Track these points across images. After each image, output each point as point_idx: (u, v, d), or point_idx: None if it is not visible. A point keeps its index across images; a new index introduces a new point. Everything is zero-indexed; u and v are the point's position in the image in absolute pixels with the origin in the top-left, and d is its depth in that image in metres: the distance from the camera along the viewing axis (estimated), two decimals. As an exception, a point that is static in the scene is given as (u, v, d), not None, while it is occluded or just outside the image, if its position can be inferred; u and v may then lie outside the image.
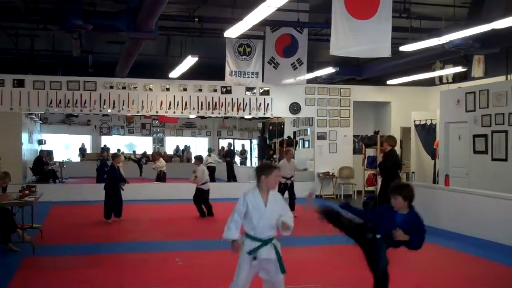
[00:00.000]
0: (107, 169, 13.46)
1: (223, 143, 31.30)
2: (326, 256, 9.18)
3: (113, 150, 28.33)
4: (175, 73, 16.07)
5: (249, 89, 17.61)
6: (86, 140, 30.52)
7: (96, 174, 18.67)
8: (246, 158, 30.25)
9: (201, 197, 13.23)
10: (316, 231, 11.04)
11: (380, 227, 5.36)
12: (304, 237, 10.96)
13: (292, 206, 12.76)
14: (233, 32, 10.97)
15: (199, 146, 31.15)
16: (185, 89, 17.65)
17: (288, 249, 9.84)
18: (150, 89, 17.42)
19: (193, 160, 22.56)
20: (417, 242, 5.33)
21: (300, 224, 12.35)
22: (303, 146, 21.13)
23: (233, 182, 21.17)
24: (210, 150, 23.35)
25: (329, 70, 15.98)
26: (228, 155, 23.47)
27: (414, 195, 5.38)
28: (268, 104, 18.27)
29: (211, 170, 21.98)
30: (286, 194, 13.03)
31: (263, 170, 5.24)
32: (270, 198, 5.17)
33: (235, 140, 32.43)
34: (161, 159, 20.61)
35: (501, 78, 14.16)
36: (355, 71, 16.87)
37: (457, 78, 16.49)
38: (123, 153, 26.27)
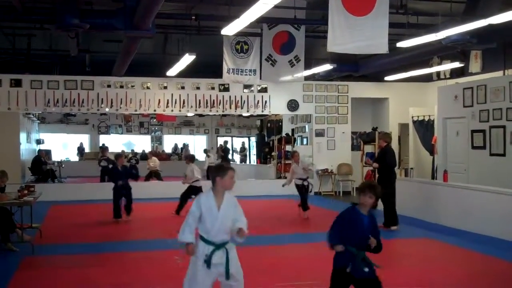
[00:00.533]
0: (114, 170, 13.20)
1: (221, 141, 31.34)
2: (325, 253, 9.17)
3: (111, 149, 28.46)
4: (173, 71, 16.04)
5: (247, 86, 17.61)
6: (84, 139, 30.50)
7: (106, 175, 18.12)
8: (245, 155, 30.29)
9: (190, 193, 12.91)
10: (316, 228, 11.08)
11: (354, 235, 5.00)
12: (302, 234, 10.99)
13: (304, 206, 12.73)
14: (230, 29, 10.95)
15: (197, 144, 31.17)
16: (182, 87, 17.64)
17: (288, 246, 9.87)
18: (148, 88, 17.41)
19: (199, 157, 22.80)
20: (380, 245, 5.04)
21: (300, 222, 12.43)
22: (302, 143, 21.13)
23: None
24: (206, 151, 23.30)
25: (327, 67, 15.96)
26: (223, 152, 23.46)
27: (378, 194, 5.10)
28: (266, 102, 18.27)
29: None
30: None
31: (218, 171, 5.09)
32: (224, 202, 5.03)
33: (234, 138, 32.47)
34: (154, 158, 20.56)
35: (499, 73, 14.17)
36: (352, 67, 16.84)
37: (455, 73, 16.50)
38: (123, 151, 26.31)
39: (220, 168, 5.18)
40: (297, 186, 13.03)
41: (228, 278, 4.98)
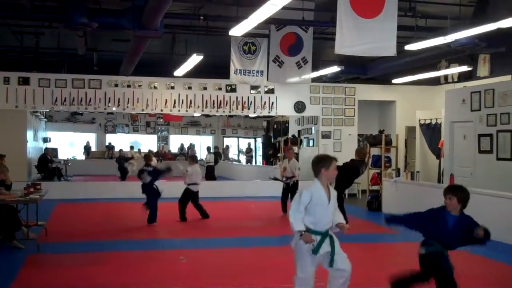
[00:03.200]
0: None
1: (228, 141, 31.38)
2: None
3: (117, 148, 28.56)
4: (180, 71, 16.06)
5: (253, 87, 17.61)
6: (91, 138, 30.60)
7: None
8: (252, 156, 30.28)
9: (187, 198, 12.52)
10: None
11: (436, 232, 5.25)
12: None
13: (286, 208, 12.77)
14: (238, 30, 10.96)
15: (203, 144, 31.20)
16: (190, 88, 17.65)
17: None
18: (155, 87, 17.42)
19: (205, 157, 22.78)
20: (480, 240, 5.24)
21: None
22: (308, 145, 21.11)
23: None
24: (209, 149, 23.31)
25: (334, 69, 15.96)
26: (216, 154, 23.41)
27: (468, 199, 5.27)
28: (272, 103, 18.25)
29: (210, 169, 22.02)
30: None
31: (322, 162, 5.16)
32: (332, 193, 5.15)
33: (240, 139, 32.50)
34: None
35: (507, 78, 14.10)
36: (360, 70, 16.83)
37: (463, 77, 16.45)
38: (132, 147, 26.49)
39: (324, 159, 5.23)
40: (284, 184, 13.10)
41: (331, 265, 5.12)
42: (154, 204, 11.94)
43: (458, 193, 5.17)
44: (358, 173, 12.16)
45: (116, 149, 27.34)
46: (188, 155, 30.34)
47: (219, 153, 24.84)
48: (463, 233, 5.20)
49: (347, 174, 11.64)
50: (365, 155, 12.82)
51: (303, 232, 5.00)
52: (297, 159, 19.66)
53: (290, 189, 13.30)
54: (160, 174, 12.31)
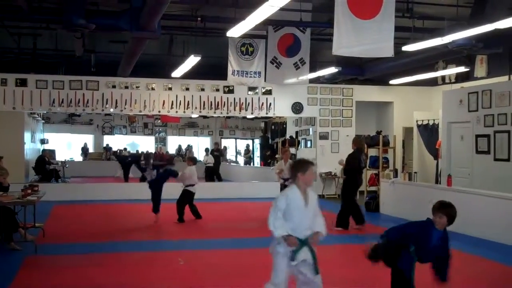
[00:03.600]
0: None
1: (225, 142, 31.37)
2: (330, 255, 9.16)
3: (115, 149, 28.61)
4: (178, 72, 16.06)
5: (251, 88, 17.61)
6: (88, 139, 30.61)
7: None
8: (250, 158, 30.27)
9: (186, 199, 12.57)
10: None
11: (416, 241, 5.15)
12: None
13: None
14: (235, 31, 10.97)
15: (201, 145, 31.21)
16: (187, 89, 17.64)
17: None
18: (153, 89, 17.41)
19: (203, 159, 22.76)
20: (446, 267, 5.20)
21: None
22: (305, 146, 21.13)
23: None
24: (207, 151, 23.29)
25: (332, 69, 15.97)
26: (218, 151, 23.36)
27: (455, 217, 5.22)
28: (270, 104, 18.25)
29: (210, 170, 22.02)
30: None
31: (299, 167, 5.07)
32: (310, 197, 5.03)
33: (238, 140, 32.50)
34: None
35: (504, 78, 14.14)
36: (357, 71, 16.85)
37: (460, 78, 16.47)
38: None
39: (301, 164, 5.14)
40: (281, 186, 13.12)
41: (317, 272, 5.01)
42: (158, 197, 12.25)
43: (449, 211, 5.14)
44: (359, 165, 11.91)
45: (121, 150, 27.40)
46: (186, 156, 30.44)
47: (220, 153, 24.71)
48: (441, 249, 5.20)
49: (349, 172, 11.61)
50: (362, 144, 12.58)
51: (286, 237, 4.90)
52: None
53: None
54: (171, 175, 12.40)
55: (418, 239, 5.13)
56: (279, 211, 4.94)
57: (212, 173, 22.02)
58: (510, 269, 8.36)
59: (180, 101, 17.58)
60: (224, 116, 24.69)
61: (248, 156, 30.02)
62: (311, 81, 16.20)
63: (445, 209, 5.17)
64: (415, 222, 5.38)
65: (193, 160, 13.31)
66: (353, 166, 11.79)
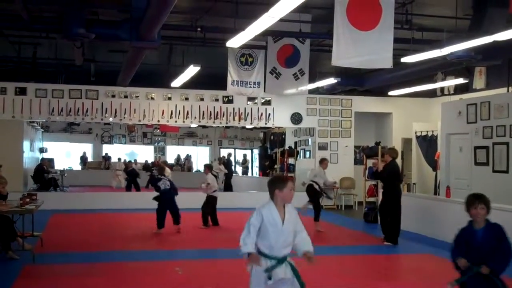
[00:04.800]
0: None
1: (224, 152, 31.32)
2: (334, 266, 9.14)
3: (114, 159, 28.58)
4: (177, 82, 16.09)
5: (250, 99, 17.62)
6: (87, 148, 30.61)
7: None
8: (247, 168, 30.25)
9: (210, 204, 13.11)
10: (317, 242, 11.03)
11: (468, 251, 5.06)
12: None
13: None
14: (235, 42, 11.00)
15: (200, 155, 31.20)
16: (186, 98, 17.67)
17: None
18: (152, 98, 17.44)
19: (202, 168, 22.62)
20: (502, 258, 4.94)
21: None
22: (304, 156, 21.12)
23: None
24: (220, 159, 23.49)
25: (331, 80, 16.00)
26: (224, 164, 23.35)
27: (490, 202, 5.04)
28: (269, 114, 18.28)
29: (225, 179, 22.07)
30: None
31: (276, 184, 4.80)
32: (287, 215, 4.75)
33: (236, 150, 32.47)
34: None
35: (503, 90, 14.17)
36: (356, 81, 16.86)
37: (459, 89, 16.52)
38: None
39: (278, 180, 4.89)
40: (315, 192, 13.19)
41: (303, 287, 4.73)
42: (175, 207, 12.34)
43: (486, 199, 5.01)
44: (398, 176, 11.58)
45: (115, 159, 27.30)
46: (184, 166, 30.43)
47: (229, 162, 24.78)
48: (491, 245, 5.00)
49: (391, 183, 11.35)
50: (397, 154, 12.10)
51: (249, 254, 4.66)
52: (293, 170, 19.77)
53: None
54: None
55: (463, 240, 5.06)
56: (252, 227, 4.71)
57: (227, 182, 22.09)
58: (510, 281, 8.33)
59: (179, 110, 17.60)
60: (223, 126, 24.63)
61: (245, 166, 30.01)
62: (310, 91, 16.22)
63: (482, 198, 5.07)
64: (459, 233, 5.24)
65: (210, 168, 13.86)
66: (392, 175, 11.31)
